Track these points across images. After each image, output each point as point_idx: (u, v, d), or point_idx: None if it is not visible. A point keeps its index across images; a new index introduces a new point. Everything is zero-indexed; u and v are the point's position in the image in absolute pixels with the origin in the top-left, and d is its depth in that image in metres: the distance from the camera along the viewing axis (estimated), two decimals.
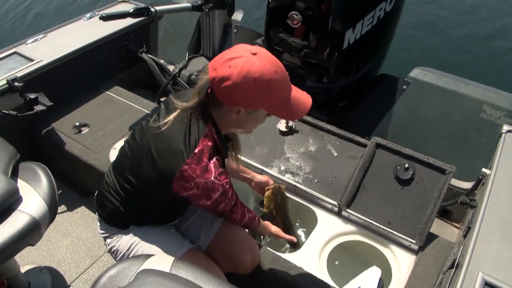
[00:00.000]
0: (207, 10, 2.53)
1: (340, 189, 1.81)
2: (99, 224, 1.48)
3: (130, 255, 1.41)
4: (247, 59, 1.14)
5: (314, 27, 2.13)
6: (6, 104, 2.12)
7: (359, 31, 2.20)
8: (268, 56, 1.19)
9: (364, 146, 1.93)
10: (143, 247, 1.41)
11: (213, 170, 1.24)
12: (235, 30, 2.71)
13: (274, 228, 1.60)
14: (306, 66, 2.29)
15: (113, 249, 1.45)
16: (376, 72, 2.62)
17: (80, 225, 2.18)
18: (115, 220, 1.44)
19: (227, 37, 2.73)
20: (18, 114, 2.09)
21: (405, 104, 2.38)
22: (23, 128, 2.26)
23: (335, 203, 1.79)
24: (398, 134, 2.30)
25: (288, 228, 1.72)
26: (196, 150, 1.22)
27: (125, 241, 1.43)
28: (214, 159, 1.26)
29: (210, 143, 1.26)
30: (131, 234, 1.44)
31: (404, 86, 2.40)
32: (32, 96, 2.10)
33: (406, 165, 1.79)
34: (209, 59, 2.75)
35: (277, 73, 1.18)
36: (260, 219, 1.55)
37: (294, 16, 2.12)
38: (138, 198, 1.35)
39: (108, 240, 1.46)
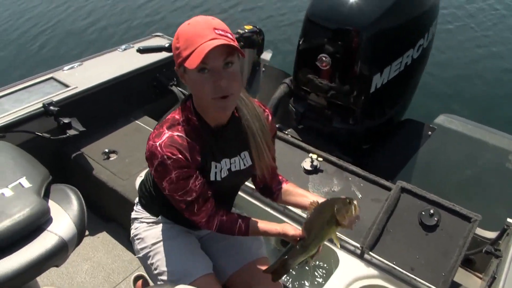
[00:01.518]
0: None
1: (363, 231, 1.81)
2: (135, 206, 1.57)
3: (152, 253, 1.47)
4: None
5: (343, 70, 2.19)
6: (40, 127, 2.20)
7: (386, 76, 2.24)
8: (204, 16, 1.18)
9: (389, 189, 1.93)
10: (165, 255, 1.45)
11: (163, 138, 1.22)
12: (264, 69, 2.78)
13: (277, 228, 1.35)
14: (332, 107, 2.33)
15: (137, 236, 1.51)
16: (401, 116, 2.65)
17: (101, 250, 2.20)
18: (148, 205, 1.52)
19: (255, 75, 2.80)
20: (51, 137, 2.16)
21: (430, 150, 2.39)
22: (54, 151, 2.32)
23: (358, 245, 1.78)
24: (422, 179, 2.29)
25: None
26: (162, 120, 1.27)
27: (153, 234, 1.49)
28: (177, 133, 1.23)
29: (177, 116, 1.26)
30: (160, 231, 1.48)
31: (429, 132, 2.42)
32: (66, 120, 2.17)
33: (431, 211, 1.79)
34: None
35: (189, 23, 1.15)
36: (253, 221, 1.37)
37: (324, 58, 2.18)
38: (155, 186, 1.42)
39: (137, 224, 1.53)
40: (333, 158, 2.10)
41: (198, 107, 1.27)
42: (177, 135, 1.23)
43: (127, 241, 1.52)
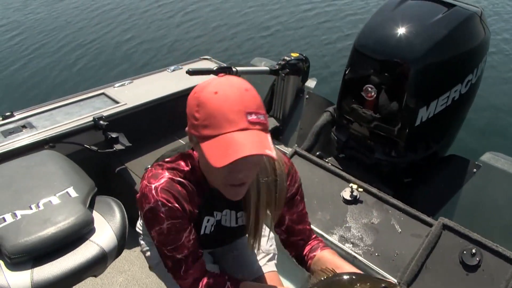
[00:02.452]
0: (283, 75, 2.65)
1: (402, 266, 1.76)
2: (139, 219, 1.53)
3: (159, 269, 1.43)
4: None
5: (388, 101, 2.17)
6: (89, 140, 2.29)
7: (432, 110, 2.21)
8: (232, 78, 1.00)
9: (430, 225, 1.88)
10: None
11: (161, 181, 1.08)
12: (307, 96, 2.80)
13: None
14: (375, 138, 2.31)
15: (146, 254, 1.52)
16: (445, 151, 2.59)
17: (136, 264, 2.24)
18: None
19: (298, 102, 2.82)
20: (99, 150, 2.24)
21: (474, 188, 2.31)
22: (100, 164, 2.40)
23: (396, 281, 1.73)
24: (465, 217, 2.22)
25: None
26: (162, 160, 1.15)
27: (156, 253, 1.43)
28: (178, 178, 1.10)
29: (183, 163, 1.12)
30: None
31: (474, 170, 2.35)
32: (113, 135, 2.26)
33: (473, 251, 1.72)
34: (279, 120, 2.84)
35: (217, 93, 0.94)
36: (242, 285, 1.20)
37: (369, 89, 2.18)
38: None
39: (142, 242, 1.53)
40: (374, 190, 2.07)
41: (204, 169, 1.12)
42: (178, 181, 1.10)
43: None
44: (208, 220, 1.22)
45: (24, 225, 1.45)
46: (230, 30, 6.89)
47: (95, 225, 1.55)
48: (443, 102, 2.24)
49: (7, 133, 2.22)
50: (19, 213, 1.50)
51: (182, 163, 1.13)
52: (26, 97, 4.96)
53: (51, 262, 1.43)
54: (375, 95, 2.18)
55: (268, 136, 0.96)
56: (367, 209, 2.02)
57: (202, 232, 1.22)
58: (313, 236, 1.35)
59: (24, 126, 2.28)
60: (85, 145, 2.25)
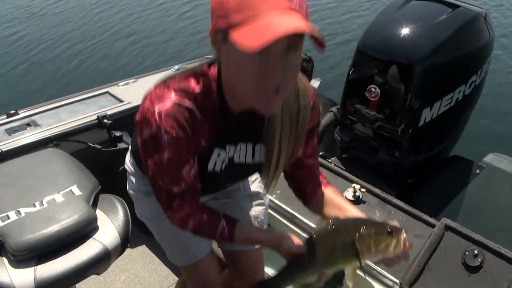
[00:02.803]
0: None
1: (404, 267, 1.76)
2: (128, 154, 1.43)
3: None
4: None
5: (392, 102, 2.17)
6: (93, 138, 2.29)
7: (436, 111, 2.21)
8: None
9: (432, 226, 1.88)
10: (165, 235, 1.45)
11: (167, 104, 0.91)
12: None
13: (272, 237, 1.07)
14: (379, 138, 2.32)
15: (136, 207, 1.48)
16: (448, 152, 2.59)
17: (139, 262, 2.25)
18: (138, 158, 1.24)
19: None
20: (102, 149, 2.25)
21: (477, 189, 2.31)
22: (104, 162, 2.41)
23: (397, 280, 1.73)
24: (467, 218, 2.22)
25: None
26: (170, 78, 0.97)
27: (148, 207, 1.39)
28: (187, 103, 0.92)
29: (193, 85, 0.94)
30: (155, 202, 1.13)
31: (477, 171, 2.35)
32: (117, 134, 2.26)
33: (476, 252, 1.72)
34: None
35: None
36: (241, 226, 1.09)
37: (373, 89, 2.18)
38: None
39: (132, 192, 1.44)
40: (377, 190, 2.07)
41: (226, 87, 0.95)
42: (187, 108, 0.93)
43: (165, 256, 1.54)
44: (219, 154, 1.05)
45: (28, 222, 1.46)
46: None
47: (99, 223, 1.55)
48: (446, 102, 2.24)
49: (12, 131, 2.23)
50: (23, 210, 1.50)
51: (193, 83, 0.95)
52: (31, 95, 4.98)
53: (54, 260, 1.44)
54: (378, 96, 2.18)
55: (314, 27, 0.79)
56: (369, 209, 2.02)
57: (211, 168, 1.06)
58: (318, 171, 1.23)
59: (28, 124, 2.28)
60: (89, 144, 2.25)
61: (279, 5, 0.78)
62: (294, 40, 0.80)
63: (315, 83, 2.83)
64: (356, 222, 0.97)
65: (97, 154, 2.25)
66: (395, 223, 0.98)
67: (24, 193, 1.58)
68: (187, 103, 0.93)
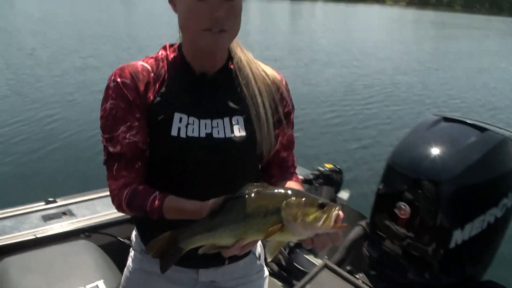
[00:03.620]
0: (317, 185, 2.71)
1: None
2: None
3: None
4: None
5: (421, 220, 2.16)
6: (123, 233, 2.34)
7: (468, 233, 2.18)
8: None
9: None
10: None
11: (134, 64, 1.06)
12: None
13: (197, 204, 0.95)
14: (408, 257, 2.27)
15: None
16: (481, 276, 2.49)
17: None
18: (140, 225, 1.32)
19: None
20: (131, 244, 2.28)
21: None
22: None
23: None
24: None
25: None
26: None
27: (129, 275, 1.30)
28: (143, 62, 1.07)
29: (161, 51, 1.11)
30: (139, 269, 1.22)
31: None
32: None
33: None
34: None
35: None
36: (173, 197, 1.01)
37: (402, 206, 2.19)
38: None
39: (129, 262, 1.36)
40: None
41: (185, 46, 1.09)
42: (141, 64, 1.06)
43: None
44: (181, 119, 1.04)
45: None
46: None
47: None
48: (478, 225, 2.22)
49: (48, 218, 2.31)
50: None
51: (161, 52, 1.11)
52: (69, 184, 5.13)
53: None
54: (408, 213, 2.18)
55: None
56: None
57: (175, 133, 1.03)
58: (292, 169, 1.23)
59: (64, 213, 2.37)
60: (119, 238, 2.30)
61: None
62: None
63: (344, 194, 2.87)
64: (287, 191, 0.88)
65: (125, 249, 2.27)
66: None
67: (54, 282, 1.61)
68: (144, 61, 1.06)
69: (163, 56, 1.10)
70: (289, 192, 0.87)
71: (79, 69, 11.73)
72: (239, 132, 1.06)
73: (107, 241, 2.27)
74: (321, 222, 0.83)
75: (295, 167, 1.24)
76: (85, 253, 1.87)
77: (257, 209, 0.84)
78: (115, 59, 12.47)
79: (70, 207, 2.43)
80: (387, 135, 7.08)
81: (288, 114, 1.16)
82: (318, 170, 2.69)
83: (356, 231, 2.53)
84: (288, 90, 1.16)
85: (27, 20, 24.63)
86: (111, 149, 1.05)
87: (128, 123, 1.03)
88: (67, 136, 6.93)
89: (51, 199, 2.46)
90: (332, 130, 7.62)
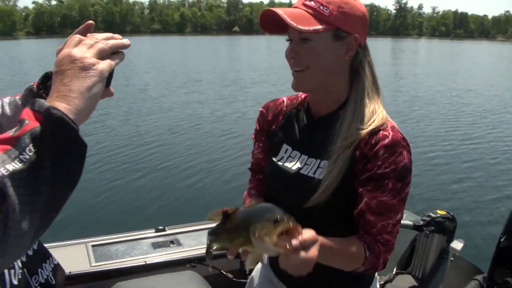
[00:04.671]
0: (427, 232, 2.54)
1: None
2: None
3: None
4: None
5: None
6: (226, 266, 2.37)
7: None
8: None
9: None
10: None
11: (279, 98, 1.37)
12: (452, 259, 2.61)
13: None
14: None
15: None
16: None
17: None
18: None
19: (442, 263, 2.63)
20: (233, 278, 2.30)
21: None
22: None
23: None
24: None
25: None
26: None
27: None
28: (284, 98, 1.35)
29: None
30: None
31: None
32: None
33: None
34: (417, 280, 2.66)
35: None
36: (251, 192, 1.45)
37: None
38: None
39: None
40: None
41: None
42: (283, 98, 1.33)
43: None
44: (287, 150, 1.24)
45: None
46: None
47: None
48: None
49: (157, 246, 2.42)
50: None
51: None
52: (178, 214, 5.35)
53: None
54: None
55: (311, 18, 1.07)
56: None
57: (278, 159, 1.24)
58: (377, 238, 1.11)
59: (172, 242, 2.47)
60: (222, 271, 2.33)
61: (293, 5, 1.14)
62: (291, 30, 1.10)
63: (457, 244, 2.65)
64: (263, 207, 0.94)
65: (228, 283, 2.30)
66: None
67: None
68: (288, 97, 1.32)
69: (301, 95, 1.30)
70: (265, 207, 0.92)
71: (209, 102, 12.49)
72: (319, 176, 1.14)
73: (210, 272, 2.31)
74: (268, 239, 0.84)
75: (386, 239, 1.13)
76: (191, 284, 1.91)
77: (241, 224, 0.93)
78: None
79: (178, 236, 2.53)
80: (507, 179, 6.49)
81: (381, 177, 1.09)
82: (429, 216, 2.52)
83: (471, 286, 2.32)
84: (391, 154, 1.09)
85: (143, 58, 26.88)
86: (251, 160, 1.39)
87: (257, 143, 1.34)
88: (180, 170, 7.26)
89: (160, 228, 2.58)
90: (443, 172, 7.14)
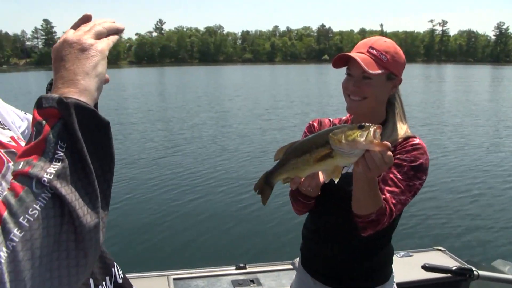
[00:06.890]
0: None
1: None
2: None
3: None
4: None
5: None
6: None
7: None
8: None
9: None
10: None
11: (329, 118, 1.72)
12: None
13: None
14: None
15: None
16: None
17: None
18: None
19: None
20: None
21: None
22: None
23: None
24: None
25: None
26: None
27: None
28: (335, 119, 1.71)
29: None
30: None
31: None
32: None
33: None
34: None
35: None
36: None
37: None
38: None
39: None
40: None
41: None
42: (329, 119, 1.67)
43: None
44: None
45: None
46: (471, 222, 6.24)
47: None
48: None
49: (237, 284, 2.38)
50: None
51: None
52: (258, 252, 5.20)
53: None
54: None
55: (373, 63, 1.39)
56: None
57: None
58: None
59: (252, 281, 2.41)
60: None
61: (359, 50, 1.46)
62: (355, 68, 1.44)
63: (503, 265, 2.34)
64: (322, 131, 1.11)
65: None
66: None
67: None
68: (334, 119, 1.69)
69: (344, 118, 1.66)
70: (336, 126, 1.08)
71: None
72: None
73: None
74: (362, 139, 0.97)
75: (390, 207, 1.38)
76: None
77: (310, 145, 1.08)
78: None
79: (258, 275, 2.47)
80: None
81: (401, 161, 1.43)
82: None
83: None
84: (414, 149, 1.45)
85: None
86: None
87: None
88: (266, 206, 6.96)
89: (241, 265, 2.54)
90: None
